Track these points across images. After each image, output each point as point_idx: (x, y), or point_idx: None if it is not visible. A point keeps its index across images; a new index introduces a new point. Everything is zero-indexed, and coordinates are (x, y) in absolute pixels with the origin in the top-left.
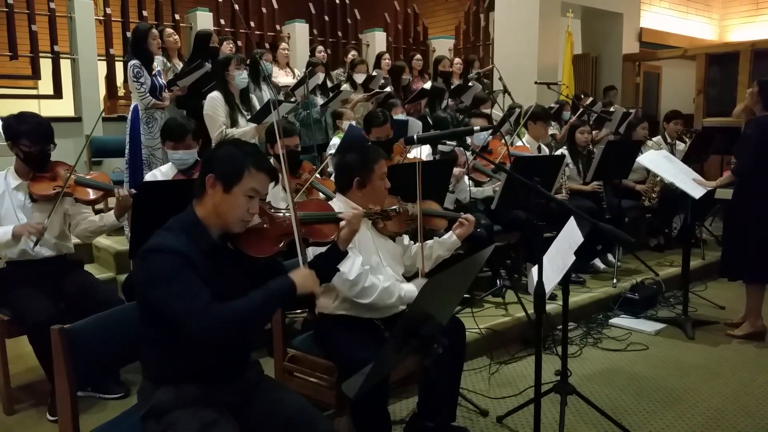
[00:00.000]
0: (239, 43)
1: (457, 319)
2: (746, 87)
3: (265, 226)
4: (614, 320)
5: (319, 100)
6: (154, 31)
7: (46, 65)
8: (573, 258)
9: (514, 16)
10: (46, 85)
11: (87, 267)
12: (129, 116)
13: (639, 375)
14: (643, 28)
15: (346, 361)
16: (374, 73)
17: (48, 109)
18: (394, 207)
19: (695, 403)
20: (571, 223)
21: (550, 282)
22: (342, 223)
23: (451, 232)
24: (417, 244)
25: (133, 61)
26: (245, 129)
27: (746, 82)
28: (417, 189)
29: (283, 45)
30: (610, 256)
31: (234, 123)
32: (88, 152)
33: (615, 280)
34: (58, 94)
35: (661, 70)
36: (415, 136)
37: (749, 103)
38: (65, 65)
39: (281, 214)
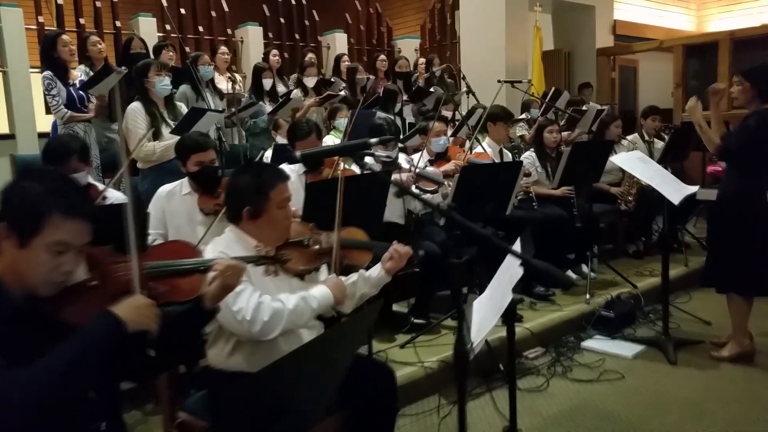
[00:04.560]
0: (188, 49)
1: (385, 367)
2: (727, 78)
3: (93, 283)
4: (587, 343)
5: (268, 108)
6: (65, 37)
7: None
8: (511, 296)
9: (479, 12)
10: None
11: None
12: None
13: (611, 413)
14: (617, 20)
15: None
16: (332, 80)
17: None
18: (300, 239)
19: None
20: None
21: (486, 326)
22: (210, 274)
23: (379, 264)
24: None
25: (45, 73)
26: (168, 142)
27: (727, 73)
28: (336, 213)
29: (222, 49)
30: (584, 267)
31: (157, 135)
32: (13, 172)
33: (588, 296)
34: None
35: (637, 64)
36: (298, 153)
37: (741, 101)
38: None
39: (121, 265)
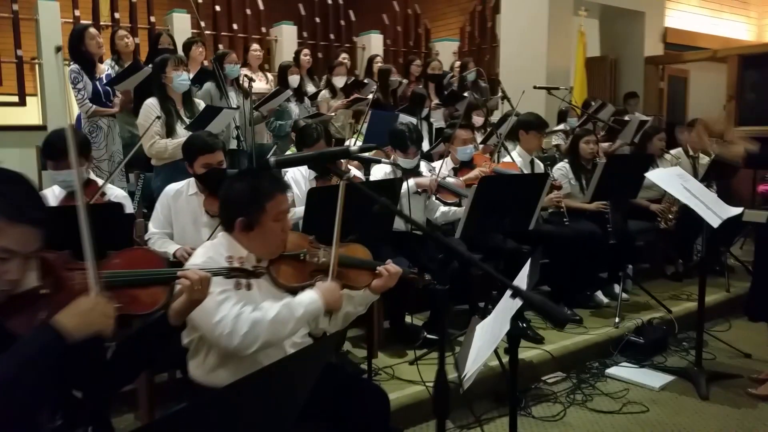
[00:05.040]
0: (221, 46)
1: (378, 389)
2: None
3: (44, 291)
4: (612, 370)
5: (294, 107)
6: (92, 30)
7: (10, 70)
8: (508, 326)
9: (521, 15)
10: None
11: None
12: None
13: None
14: (668, 28)
15: None
16: (365, 81)
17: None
18: (296, 253)
19: None
20: (520, 278)
21: (482, 356)
22: (177, 287)
23: None
24: None
25: (71, 66)
26: (181, 140)
27: None
28: (335, 226)
29: (255, 46)
30: (616, 288)
31: (170, 132)
32: (38, 163)
33: (617, 319)
34: (22, 101)
35: (688, 74)
36: (271, 159)
37: None
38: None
39: (77, 273)
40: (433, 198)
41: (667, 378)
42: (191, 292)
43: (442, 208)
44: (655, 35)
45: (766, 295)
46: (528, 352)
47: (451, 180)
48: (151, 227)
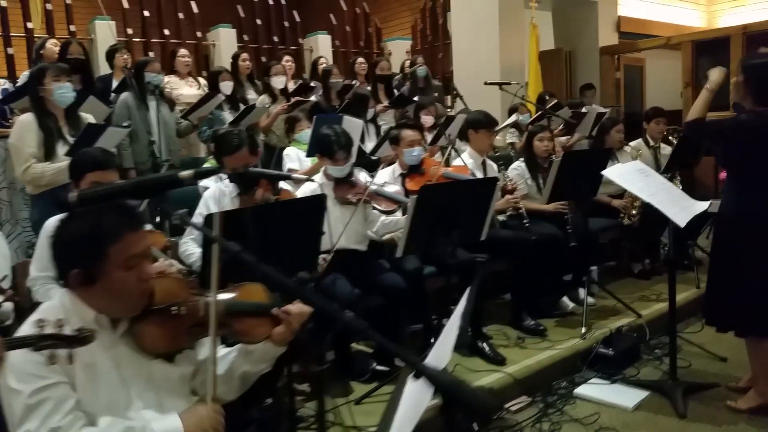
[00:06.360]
0: (151, 54)
1: None
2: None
3: None
4: (581, 390)
5: (228, 115)
6: None
7: None
8: (429, 397)
9: (471, 10)
10: None
11: None
12: None
13: None
14: (622, 17)
15: None
16: (312, 84)
17: None
18: (165, 305)
19: None
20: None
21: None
22: None
23: None
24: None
25: None
26: (62, 165)
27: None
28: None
29: (182, 51)
30: (581, 292)
31: (50, 154)
32: None
33: (584, 329)
34: None
35: (644, 62)
36: (73, 194)
37: (734, 97)
38: None
39: None
40: (370, 208)
41: (642, 394)
42: None
43: (383, 219)
44: (609, 24)
45: (723, 298)
46: (488, 377)
47: (393, 188)
48: (33, 270)
